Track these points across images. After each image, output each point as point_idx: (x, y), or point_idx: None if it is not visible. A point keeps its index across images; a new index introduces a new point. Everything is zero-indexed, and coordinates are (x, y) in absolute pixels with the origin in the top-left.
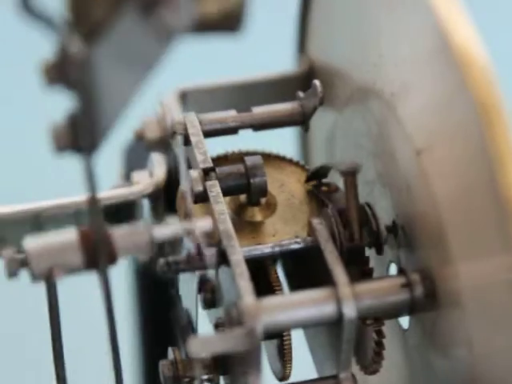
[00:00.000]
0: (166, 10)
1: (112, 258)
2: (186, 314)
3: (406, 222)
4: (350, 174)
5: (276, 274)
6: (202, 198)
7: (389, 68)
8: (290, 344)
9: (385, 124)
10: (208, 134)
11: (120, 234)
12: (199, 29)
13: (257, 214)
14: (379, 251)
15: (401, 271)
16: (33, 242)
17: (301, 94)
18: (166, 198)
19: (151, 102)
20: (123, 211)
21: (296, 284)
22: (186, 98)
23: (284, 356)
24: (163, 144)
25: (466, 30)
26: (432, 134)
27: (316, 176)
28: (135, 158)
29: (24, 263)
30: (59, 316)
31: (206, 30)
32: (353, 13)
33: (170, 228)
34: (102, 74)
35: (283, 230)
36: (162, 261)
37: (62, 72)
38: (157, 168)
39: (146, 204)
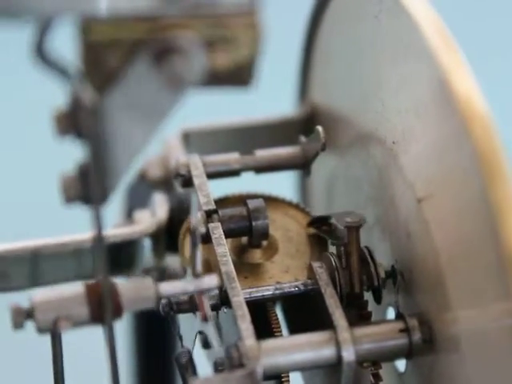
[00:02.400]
0: (177, 60)
1: (118, 312)
2: (187, 353)
3: (405, 267)
4: (354, 229)
5: (276, 315)
6: (204, 239)
7: (391, 115)
8: None
9: (386, 170)
10: (211, 175)
11: (126, 288)
12: (210, 81)
13: (258, 256)
14: (378, 299)
15: (399, 316)
16: (39, 294)
17: (303, 138)
18: (167, 237)
19: (154, 142)
20: (124, 249)
21: (294, 325)
22: (189, 139)
23: None
24: (165, 184)
25: (467, 81)
26: (433, 183)
27: (317, 221)
28: (137, 196)
29: (30, 315)
30: (63, 367)
31: (217, 82)
32: (355, 60)
33: (176, 285)
34: (113, 124)
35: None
36: (164, 301)
37: (73, 121)
38: (159, 207)
39: (147, 243)
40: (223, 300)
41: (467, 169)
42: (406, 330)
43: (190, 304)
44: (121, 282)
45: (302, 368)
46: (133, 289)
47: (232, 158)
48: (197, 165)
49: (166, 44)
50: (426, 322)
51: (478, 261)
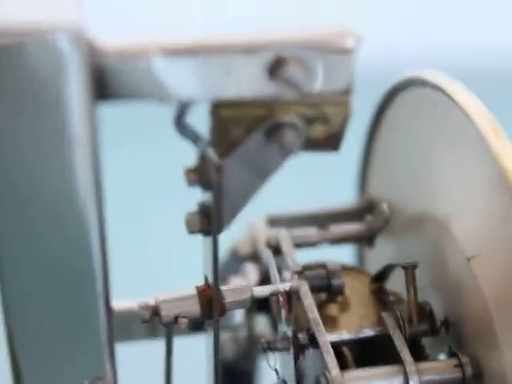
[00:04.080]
0: (287, 133)
1: (222, 311)
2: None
3: (457, 319)
4: (411, 268)
5: (350, 356)
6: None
7: (443, 195)
8: None
9: (438, 241)
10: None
11: (229, 291)
12: (306, 147)
13: (334, 310)
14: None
15: (452, 354)
16: (161, 295)
17: (369, 216)
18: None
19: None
20: None
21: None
22: (272, 223)
23: None
24: (254, 257)
25: None
26: (484, 246)
27: (380, 277)
28: (230, 269)
29: (155, 311)
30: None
31: (312, 147)
32: (409, 153)
33: (266, 288)
34: (231, 179)
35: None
36: (263, 341)
37: (201, 175)
38: (250, 274)
39: None
40: (311, 340)
41: None
42: (460, 366)
43: (284, 343)
44: (225, 287)
45: None
46: (234, 292)
47: (312, 232)
48: (285, 236)
49: (277, 121)
50: (476, 360)
51: None
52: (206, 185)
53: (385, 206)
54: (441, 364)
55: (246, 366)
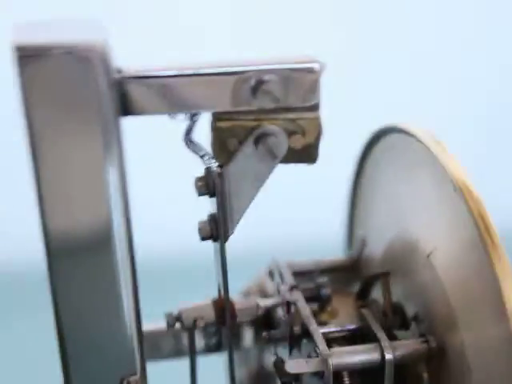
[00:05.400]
0: (271, 140)
1: (233, 317)
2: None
3: (425, 311)
4: (384, 276)
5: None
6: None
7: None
8: None
9: (404, 250)
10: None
11: (239, 302)
12: (287, 158)
13: (324, 317)
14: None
15: (421, 335)
16: (183, 305)
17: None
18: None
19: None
20: None
21: None
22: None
23: None
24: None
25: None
26: (439, 241)
27: (362, 293)
28: None
29: (178, 318)
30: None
31: (292, 159)
32: (387, 200)
33: (269, 300)
34: (232, 186)
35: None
36: (265, 333)
37: (207, 184)
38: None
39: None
40: (304, 332)
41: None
42: (426, 341)
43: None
44: (235, 299)
45: (359, 366)
46: (243, 301)
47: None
48: (285, 268)
49: (264, 131)
50: (440, 338)
51: (477, 296)
52: (211, 192)
53: (360, 233)
54: (410, 341)
55: None
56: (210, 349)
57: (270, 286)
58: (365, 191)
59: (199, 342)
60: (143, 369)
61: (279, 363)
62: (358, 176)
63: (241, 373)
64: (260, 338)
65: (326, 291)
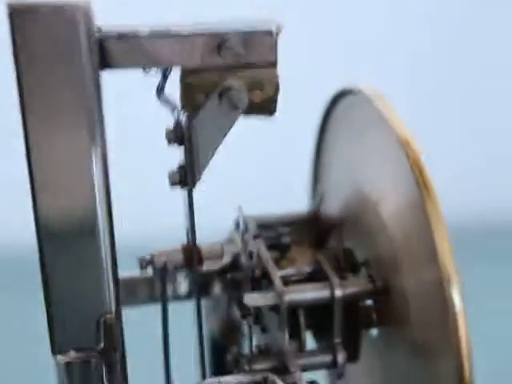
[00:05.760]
0: (234, 94)
1: (200, 261)
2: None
3: (373, 258)
4: (338, 226)
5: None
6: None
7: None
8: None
9: (356, 204)
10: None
11: (205, 247)
12: (248, 111)
13: (284, 263)
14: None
15: (368, 276)
16: (155, 250)
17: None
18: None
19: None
20: None
21: None
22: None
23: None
24: None
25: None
26: (387, 190)
27: (320, 242)
28: None
29: (151, 261)
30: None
31: (252, 112)
32: (348, 163)
33: (234, 246)
34: (199, 135)
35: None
36: (229, 276)
37: (177, 134)
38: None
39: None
40: (264, 275)
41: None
42: (373, 281)
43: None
44: (202, 244)
45: (312, 302)
46: (209, 247)
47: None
48: (251, 220)
49: (227, 86)
50: (385, 280)
51: (416, 242)
52: (181, 142)
53: (320, 187)
54: (358, 281)
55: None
56: (180, 296)
57: (236, 236)
58: (327, 148)
59: (171, 289)
60: (118, 309)
61: (240, 299)
62: (322, 131)
63: (211, 320)
64: (227, 284)
65: (285, 239)
